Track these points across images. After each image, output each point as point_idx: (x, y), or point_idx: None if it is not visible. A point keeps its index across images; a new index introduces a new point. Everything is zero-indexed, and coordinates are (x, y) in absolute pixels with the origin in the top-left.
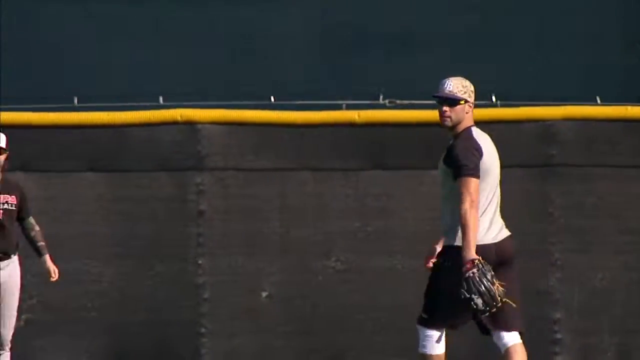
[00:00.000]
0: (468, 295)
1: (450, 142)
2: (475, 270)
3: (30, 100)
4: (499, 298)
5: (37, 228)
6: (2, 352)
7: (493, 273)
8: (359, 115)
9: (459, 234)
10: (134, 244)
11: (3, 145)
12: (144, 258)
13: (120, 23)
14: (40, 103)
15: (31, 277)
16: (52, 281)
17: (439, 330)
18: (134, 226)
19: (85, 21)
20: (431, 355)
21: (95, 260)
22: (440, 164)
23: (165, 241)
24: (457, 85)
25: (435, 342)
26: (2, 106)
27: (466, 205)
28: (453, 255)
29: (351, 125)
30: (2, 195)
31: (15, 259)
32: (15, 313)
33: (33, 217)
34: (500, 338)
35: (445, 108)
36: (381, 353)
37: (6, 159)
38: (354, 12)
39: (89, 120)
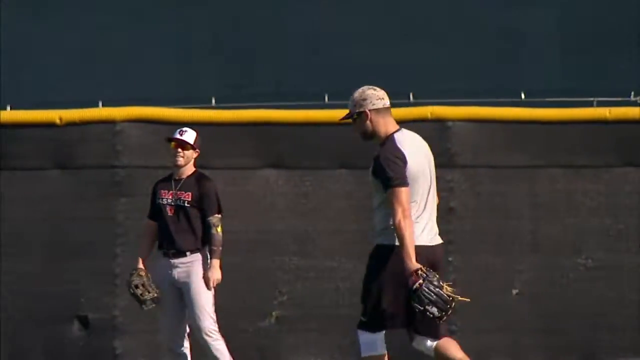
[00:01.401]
0: (422, 308)
1: (377, 152)
2: (420, 281)
3: (283, 98)
4: (450, 299)
5: (213, 230)
6: (209, 339)
7: (438, 276)
8: (610, 112)
9: (385, 234)
10: None
11: (191, 141)
12: None
13: (370, 22)
14: (293, 100)
15: (282, 274)
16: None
17: (380, 332)
18: None
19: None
20: (382, 355)
21: (345, 257)
22: (370, 175)
23: None
24: (351, 101)
25: (380, 343)
26: (257, 103)
27: (399, 216)
28: (381, 253)
29: (602, 122)
30: (179, 192)
31: (194, 257)
32: (205, 308)
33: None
34: (422, 342)
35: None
36: (632, 351)
37: (197, 156)
38: (610, 10)
39: (337, 118)
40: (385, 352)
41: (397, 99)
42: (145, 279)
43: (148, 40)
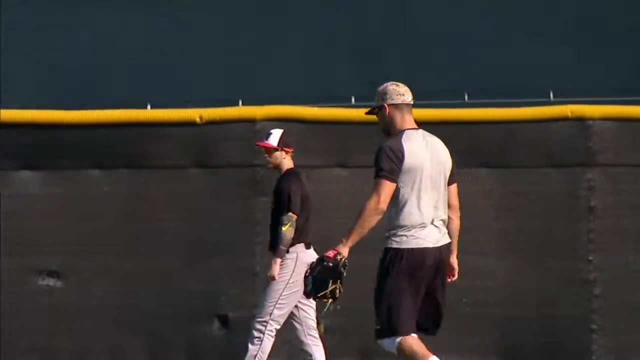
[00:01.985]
0: (306, 275)
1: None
2: (331, 262)
3: (417, 97)
4: (326, 298)
5: (279, 228)
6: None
7: (343, 272)
8: None
9: (392, 237)
10: (524, 240)
11: (273, 143)
12: (534, 253)
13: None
14: (429, 99)
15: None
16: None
17: (391, 337)
18: (524, 222)
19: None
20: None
21: (487, 255)
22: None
23: (555, 237)
24: (375, 95)
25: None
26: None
27: (371, 204)
28: (383, 256)
29: None
30: (271, 194)
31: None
32: (266, 301)
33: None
34: None
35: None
36: None
37: (289, 154)
38: None
39: (478, 117)
40: (415, 335)
41: (537, 97)
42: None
43: (288, 40)
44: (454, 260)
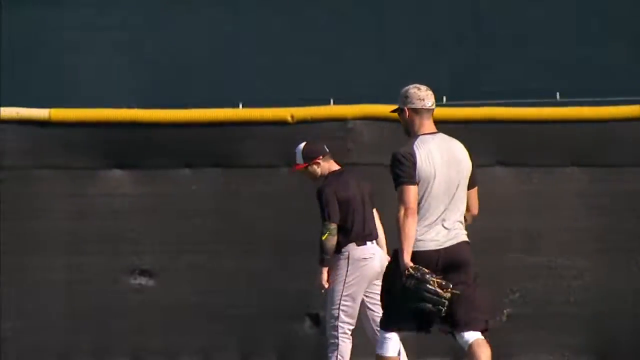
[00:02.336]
0: (414, 306)
1: None
2: (411, 280)
3: (511, 95)
4: (443, 294)
5: (320, 236)
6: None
7: (429, 273)
8: None
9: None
10: (616, 239)
11: (300, 162)
12: (626, 253)
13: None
14: (522, 97)
15: (513, 272)
16: None
17: (396, 332)
18: (615, 221)
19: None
20: (388, 357)
21: (576, 255)
22: None
23: None
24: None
25: (392, 344)
26: (485, 101)
27: (401, 213)
28: (396, 257)
29: None
30: None
31: (333, 257)
32: (328, 306)
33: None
34: (461, 337)
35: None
36: None
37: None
38: None
39: (570, 115)
40: (395, 356)
41: (628, 96)
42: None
43: (378, 38)
44: None
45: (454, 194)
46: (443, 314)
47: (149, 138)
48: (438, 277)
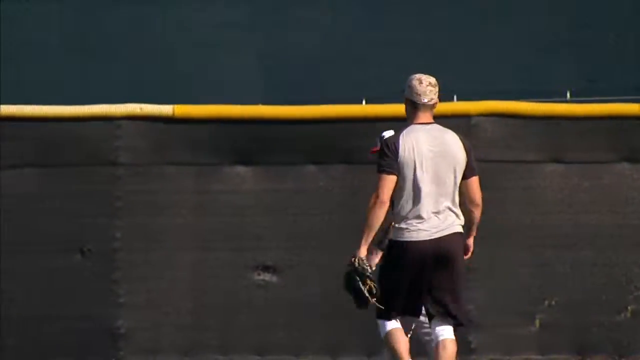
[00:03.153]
0: (345, 290)
1: None
2: (351, 268)
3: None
4: (367, 297)
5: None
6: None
7: (369, 273)
8: None
9: (392, 228)
10: None
11: None
12: None
13: None
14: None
15: (637, 269)
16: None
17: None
18: None
19: None
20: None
21: None
22: None
23: None
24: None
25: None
26: (612, 97)
27: (372, 199)
28: (389, 249)
29: None
30: None
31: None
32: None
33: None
34: (433, 329)
35: None
36: None
37: None
38: None
39: None
40: (402, 329)
41: None
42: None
43: (500, 34)
44: (470, 241)
45: (445, 184)
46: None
47: (274, 134)
48: (372, 281)
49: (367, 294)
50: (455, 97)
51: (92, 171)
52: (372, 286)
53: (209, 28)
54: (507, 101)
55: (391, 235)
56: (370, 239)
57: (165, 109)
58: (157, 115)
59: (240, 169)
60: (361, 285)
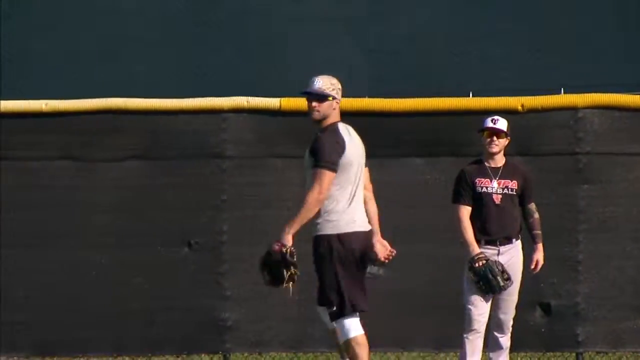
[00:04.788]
0: (261, 269)
1: (317, 134)
2: (278, 250)
3: None
4: (284, 281)
5: (535, 215)
6: (501, 335)
7: (293, 260)
8: None
9: (322, 223)
10: None
11: (504, 129)
12: None
13: None
14: None
15: None
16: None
17: (351, 316)
18: None
19: None
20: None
21: None
22: (306, 154)
23: None
24: (326, 83)
25: (357, 324)
26: None
27: (314, 193)
28: (317, 244)
29: None
30: (502, 180)
31: (517, 243)
32: (515, 298)
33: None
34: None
35: (315, 103)
36: None
37: (508, 143)
38: None
39: None
40: (363, 331)
41: None
42: None
43: (609, 25)
44: (381, 240)
45: (361, 180)
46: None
47: (380, 126)
48: (296, 270)
49: (286, 279)
50: (562, 90)
51: (199, 164)
52: (294, 273)
53: (315, 20)
54: (613, 94)
55: (326, 231)
56: (298, 227)
57: (272, 102)
58: (264, 108)
59: None
60: (284, 271)
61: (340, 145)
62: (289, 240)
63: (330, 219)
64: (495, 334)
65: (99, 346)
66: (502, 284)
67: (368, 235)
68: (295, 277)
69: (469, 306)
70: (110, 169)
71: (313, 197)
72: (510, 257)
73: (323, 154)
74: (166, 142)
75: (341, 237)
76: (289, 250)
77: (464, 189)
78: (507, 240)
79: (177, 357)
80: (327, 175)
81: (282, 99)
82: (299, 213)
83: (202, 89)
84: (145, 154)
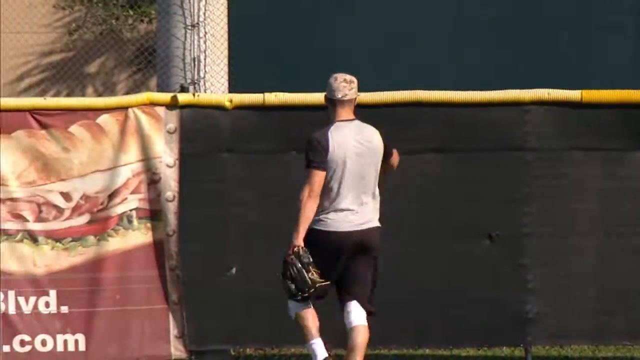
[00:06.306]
0: (282, 279)
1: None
2: (293, 257)
3: None
4: (310, 284)
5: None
6: None
7: (311, 260)
8: None
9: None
10: None
11: None
12: None
13: None
14: None
15: None
16: None
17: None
18: None
19: None
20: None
21: None
22: None
23: None
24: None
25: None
26: None
27: (305, 194)
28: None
29: None
30: None
31: None
32: None
33: None
34: (347, 314)
35: None
36: None
37: None
38: None
39: None
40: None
41: None
42: None
43: None
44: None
45: (365, 179)
46: (298, 299)
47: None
48: (316, 269)
49: (310, 282)
50: None
51: (501, 156)
52: (315, 273)
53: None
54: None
55: (312, 225)
56: (305, 229)
57: (573, 94)
58: (565, 100)
59: (434, 156)
60: (305, 273)
61: (321, 145)
62: (299, 241)
63: (317, 214)
64: None
65: (400, 339)
66: None
67: (361, 234)
68: (318, 277)
69: None
70: (410, 160)
71: (304, 197)
72: None
73: (308, 154)
74: (468, 134)
75: (318, 233)
76: (300, 249)
77: None
78: None
79: (478, 349)
80: (315, 173)
81: (583, 91)
82: (298, 215)
83: (502, 82)
84: (446, 146)
